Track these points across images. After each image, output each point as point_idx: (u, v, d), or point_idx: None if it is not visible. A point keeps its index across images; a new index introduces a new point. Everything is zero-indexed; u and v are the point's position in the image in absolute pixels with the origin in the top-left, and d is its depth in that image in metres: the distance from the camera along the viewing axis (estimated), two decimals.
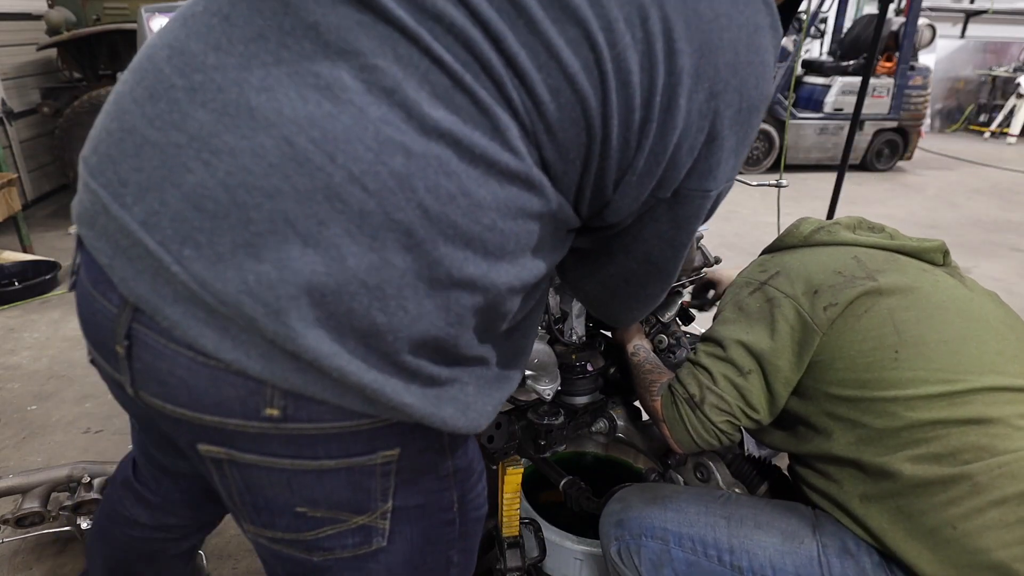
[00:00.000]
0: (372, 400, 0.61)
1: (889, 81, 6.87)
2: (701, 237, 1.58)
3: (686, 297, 1.63)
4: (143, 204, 0.58)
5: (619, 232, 0.75)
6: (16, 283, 3.41)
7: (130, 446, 1.17)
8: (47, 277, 3.44)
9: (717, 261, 1.64)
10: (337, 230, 0.55)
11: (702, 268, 1.60)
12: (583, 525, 1.46)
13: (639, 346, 1.37)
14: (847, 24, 7.91)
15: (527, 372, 1.24)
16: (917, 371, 0.97)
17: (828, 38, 8.22)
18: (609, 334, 1.57)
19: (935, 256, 1.17)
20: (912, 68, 6.94)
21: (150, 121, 0.59)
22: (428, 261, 0.58)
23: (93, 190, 0.63)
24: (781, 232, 1.28)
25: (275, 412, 0.61)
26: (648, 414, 1.27)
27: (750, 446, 1.73)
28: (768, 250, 1.28)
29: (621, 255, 0.79)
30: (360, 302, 0.57)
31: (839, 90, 6.88)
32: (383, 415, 0.64)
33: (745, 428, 1.13)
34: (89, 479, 1.75)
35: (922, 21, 6.90)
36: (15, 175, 3.80)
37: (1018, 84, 9.47)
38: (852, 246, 1.16)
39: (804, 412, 1.08)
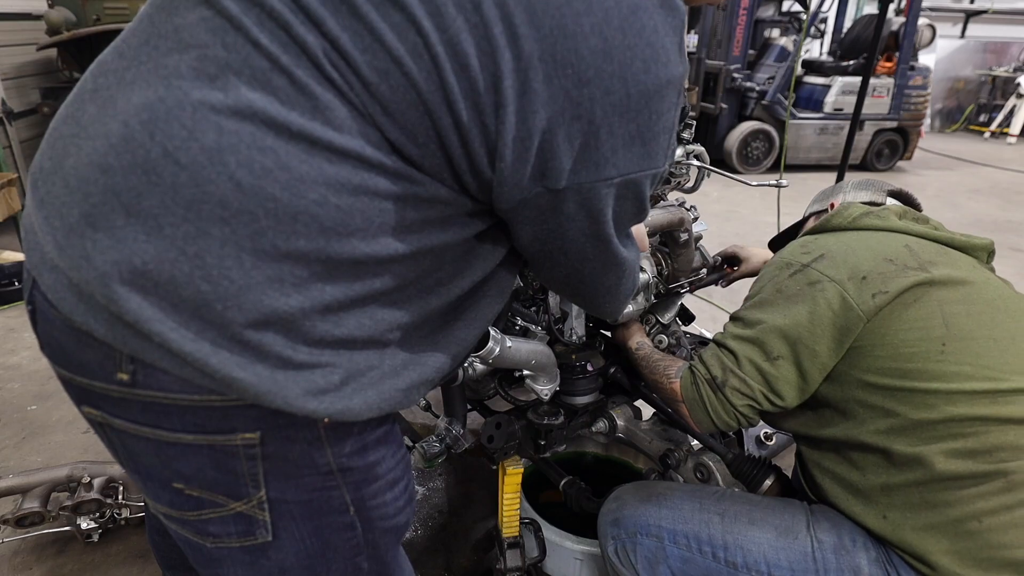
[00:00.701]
0: (203, 371, 0.64)
1: (889, 81, 6.87)
2: (700, 237, 1.58)
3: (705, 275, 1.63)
4: (44, 187, 0.68)
5: (546, 235, 0.75)
6: (16, 283, 3.42)
7: None
8: None
9: (716, 260, 1.64)
10: (153, 201, 0.60)
11: (701, 268, 1.60)
12: (583, 525, 1.46)
13: (642, 343, 1.37)
14: (847, 24, 7.91)
15: (525, 372, 1.24)
16: (963, 366, 0.96)
17: (828, 38, 8.23)
18: (609, 334, 1.57)
19: (980, 254, 1.15)
20: (912, 68, 6.94)
21: (64, 119, 0.69)
22: (249, 232, 0.61)
23: (28, 181, 0.73)
24: (828, 214, 1.24)
25: (125, 376, 0.66)
26: (663, 398, 1.26)
27: (750, 446, 1.73)
28: (811, 232, 1.24)
29: (560, 256, 0.79)
30: (181, 270, 0.61)
31: (839, 90, 6.88)
32: (223, 391, 0.66)
33: (766, 412, 1.11)
34: (89, 479, 1.75)
35: (922, 21, 6.90)
36: (15, 175, 3.80)
37: (1018, 84, 9.47)
38: (903, 234, 1.13)
39: (833, 396, 1.06)
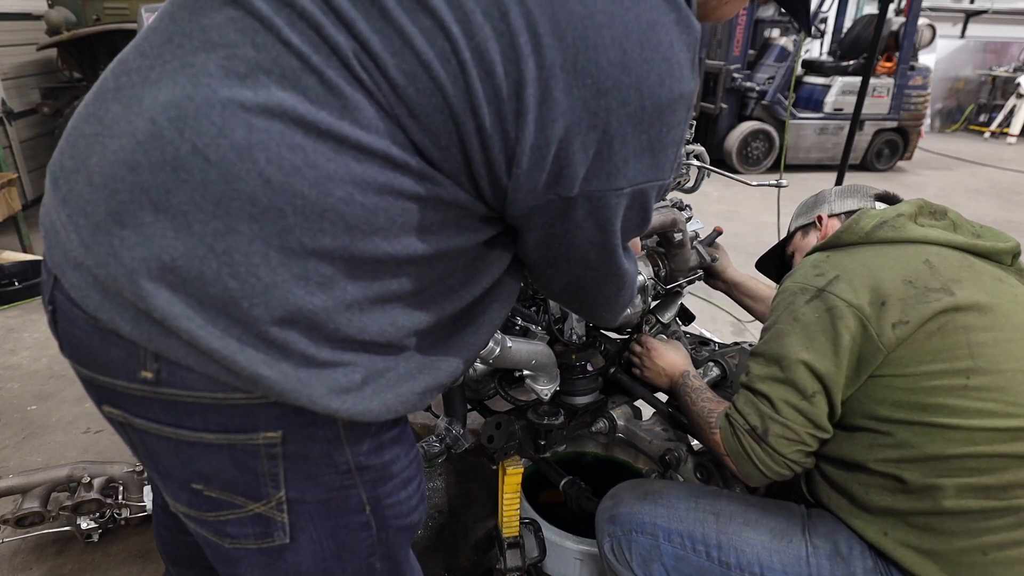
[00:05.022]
0: (229, 369, 0.64)
1: (889, 81, 6.87)
2: (696, 236, 1.58)
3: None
4: (67, 184, 0.68)
5: (552, 241, 0.76)
6: (16, 283, 3.41)
7: None
8: None
9: (714, 260, 1.64)
10: (182, 197, 0.61)
11: (699, 267, 1.60)
12: (583, 525, 1.46)
13: (688, 373, 1.31)
14: (847, 24, 7.91)
15: (525, 372, 1.24)
16: (987, 402, 0.91)
17: (828, 38, 8.23)
18: (610, 335, 1.57)
19: (1005, 258, 1.08)
20: (912, 68, 6.95)
21: (86, 118, 0.69)
22: (277, 229, 0.62)
23: (47, 178, 0.73)
24: (841, 226, 1.15)
25: (149, 375, 0.66)
26: (707, 448, 1.22)
27: None
28: (823, 247, 1.15)
29: (564, 263, 0.80)
30: (209, 266, 0.61)
31: (839, 90, 6.89)
32: (248, 388, 0.66)
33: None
34: (89, 479, 1.75)
35: (922, 21, 6.90)
36: (15, 175, 3.80)
37: (1018, 84, 9.48)
38: (921, 244, 1.05)
39: (843, 421, 1.02)
